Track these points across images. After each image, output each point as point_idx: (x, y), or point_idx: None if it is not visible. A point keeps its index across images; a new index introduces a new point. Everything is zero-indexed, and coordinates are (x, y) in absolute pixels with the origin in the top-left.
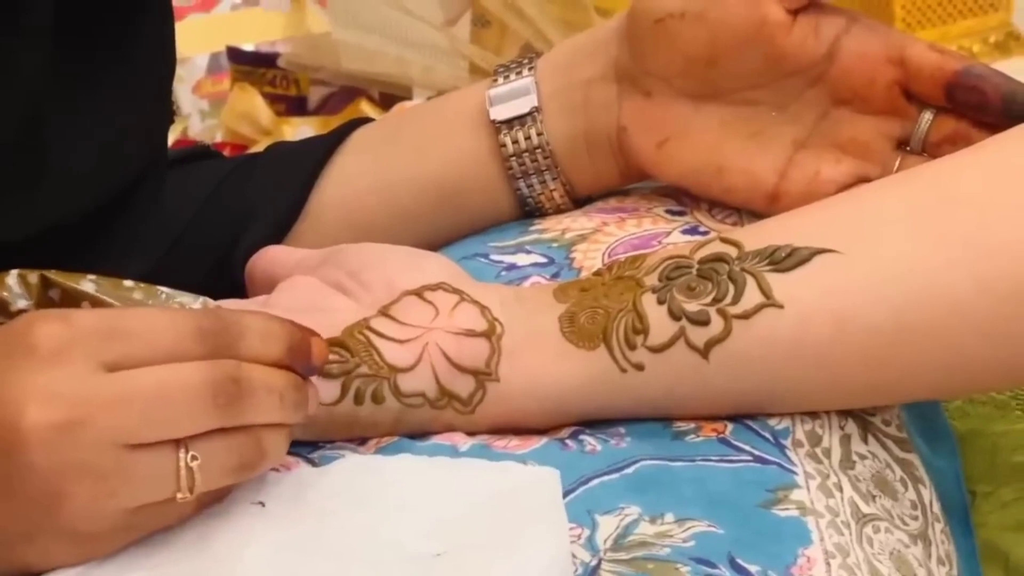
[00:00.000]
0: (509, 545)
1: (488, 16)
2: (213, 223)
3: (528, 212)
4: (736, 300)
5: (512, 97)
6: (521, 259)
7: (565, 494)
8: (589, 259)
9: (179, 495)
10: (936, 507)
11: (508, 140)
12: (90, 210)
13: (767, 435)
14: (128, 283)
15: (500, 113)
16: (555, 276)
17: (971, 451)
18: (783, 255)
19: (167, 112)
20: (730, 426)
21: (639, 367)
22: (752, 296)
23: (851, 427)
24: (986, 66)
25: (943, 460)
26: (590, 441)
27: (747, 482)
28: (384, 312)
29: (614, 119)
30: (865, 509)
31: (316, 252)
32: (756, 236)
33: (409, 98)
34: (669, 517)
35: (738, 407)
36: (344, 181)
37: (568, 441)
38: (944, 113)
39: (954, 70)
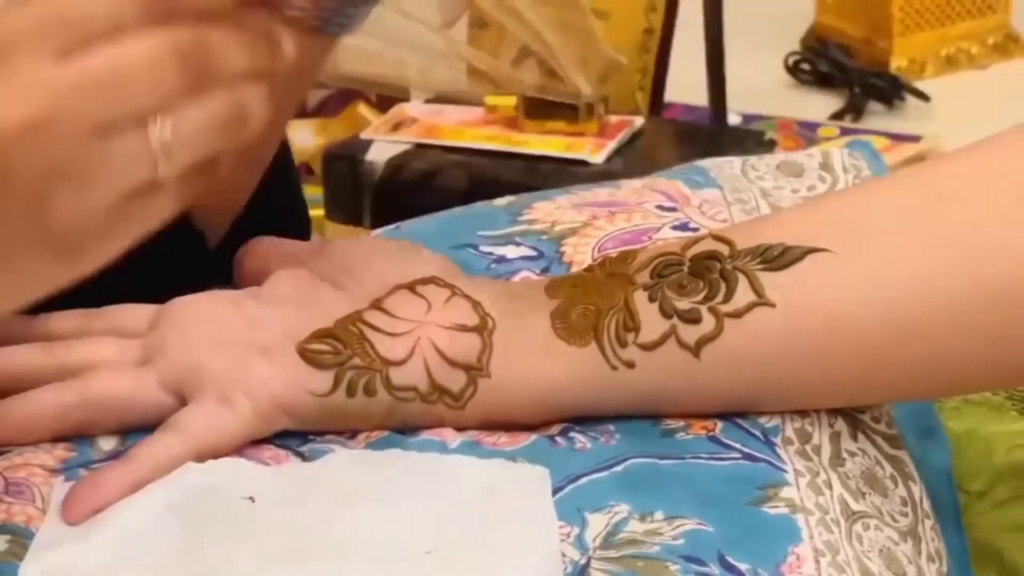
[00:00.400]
0: (499, 544)
1: (486, 18)
2: None
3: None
4: (728, 298)
5: None
6: (511, 251)
7: (554, 492)
8: (579, 253)
9: (160, 169)
10: (926, 504)
11: None
12: None
13: (757, 433)
14: None
15: None
16: (545, 270)
17: (966, 451)
18: (775, 254)
19: None
20: (720, 424)
21: (630, 365)
22: (744, 295)
23: (840, 424)
24: None
25: (935, 458)
26: (580, 439)
27: (737, 480)
28: (376, 305)
29: None
30: (855, 506)
31: (307, 244)
32: (748, 234)
33: (407, 100)
34: (659, 515)
35: (729, 405)
36: None
37: (558, 438)
38: None
39: None
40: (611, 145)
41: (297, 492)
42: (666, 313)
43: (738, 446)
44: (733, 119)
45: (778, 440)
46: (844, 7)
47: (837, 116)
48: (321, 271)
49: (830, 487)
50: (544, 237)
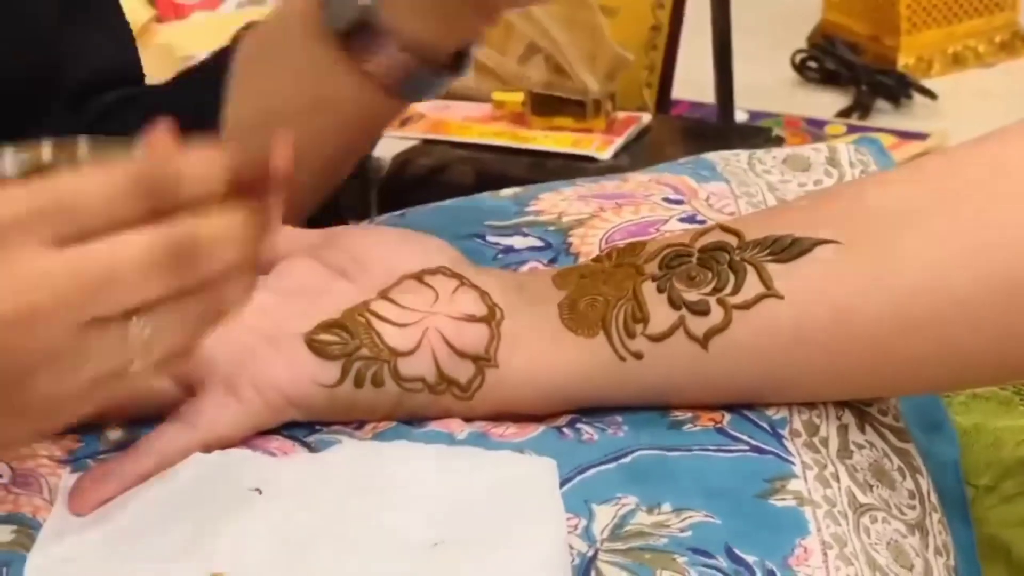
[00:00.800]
0: (506, 536)
1: None
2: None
3: (396, 93)
4: (736, 290)
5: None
6: (518, 242)
7: (562, 484)
8: (587, 244)
9: (135, 365)
10: (933, 497)
11: (352, 42)
12: None
13: (764, 425)
14: (46, 152)
15: (335, 20)
16: (552, 261)
17: (974, 445)
18: (784, 245)
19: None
20: (727, 416)
21: (638, 356)
22: (752, 286)
23: (848, 417)
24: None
25: (943, 452)
26: (587, 430)
27: (744, 472)
28: (384, 295)
29: None
30: (862, 499)
31: (315, 233)
32: (756, 225)
33: None
34: (666, 507)
35: (736, 397)
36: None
37: (565, 429)
38: None
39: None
40: (618, 141)
41: (304, 483)
42: (675, 304)
43: (745, 438)
44: (740, 116)
45: (786, 432)
46: (851, 5)
47: (844, 114)
48: (329, 260)
49: (837, 479)
50: (551, 228)
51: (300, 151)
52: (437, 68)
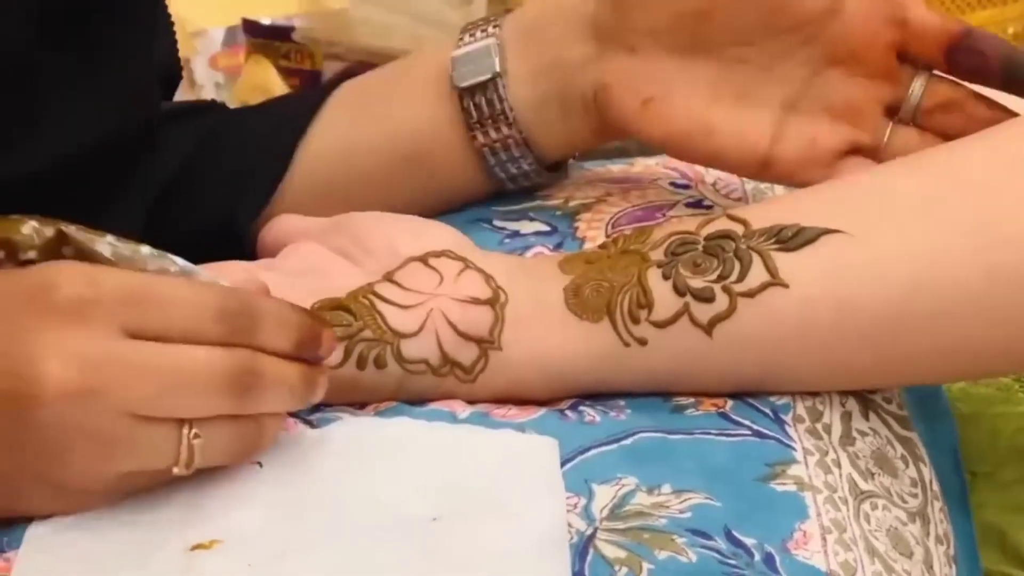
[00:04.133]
0: (505, 512)
1: None
2: (201, 178)
3: (501, 184)
4: (741, 278)
5: (474, 61)
6: (525, 226)
7: (562, 463)
8: (593, 229)
9: (176, 469)
10: (935, 486)
11: (471, 106)
12: (81, 152)
13: (767, 411)
14: (145, 250)
15: (462, 78)
16: (558, 246)
17: (972, 433)
18: (790, 234)
19: (166, 59)
20: (730, 402)
21: (642, 342)
22: (758, 274)
23: (852, 404)
24: (987, 31)
25: (942, 440)
26: (589, 412)
27: (745, 456)
28: (388, 278)
29: (591, 78)
30: (863, 486)
31: (324, 220)
32: (763, 214)
33: None
34: (666, 488)
35: (739, 385)
36: (313, 142)
37: (568, 412)
38: (938, 79)
39: (956, 32)
40: None
41: (304, 457)
42: (679, 291)
43: (747, 423)
44: None
45: (789, 418)
46: None
47: None
48: (334, 244)
49: (839, 466)
50: (558, 212)
51: (372, 200)
52: (540, 163)
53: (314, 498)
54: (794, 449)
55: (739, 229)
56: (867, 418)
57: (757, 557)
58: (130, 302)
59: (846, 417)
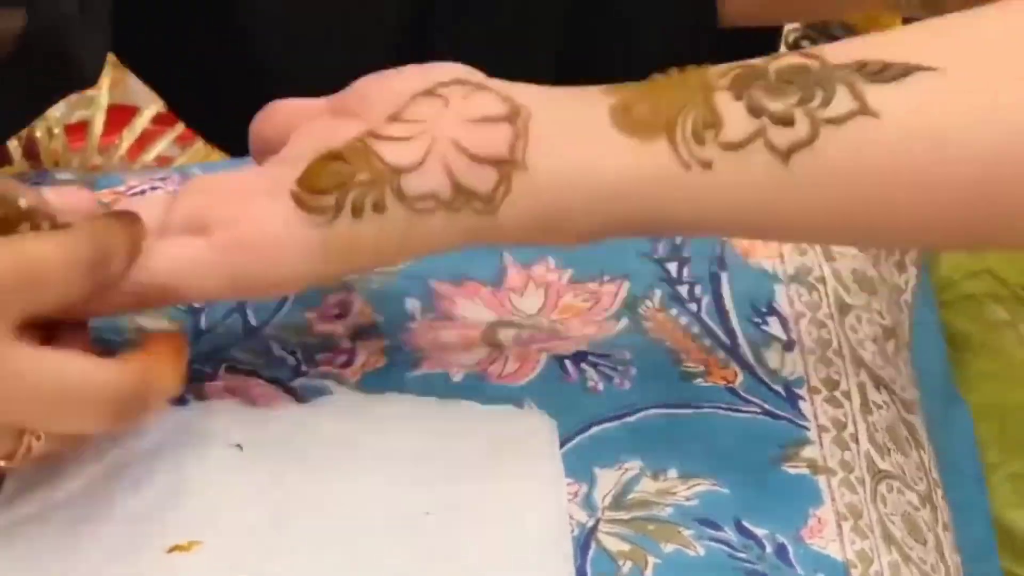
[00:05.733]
0: (502, 505)
1: None
2: None
3: None
4: (825, 104)
5: None
6: None
7: (563, 443)
8: None
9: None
10: (935, 473)
11: None
12: None
13: (779, 388)
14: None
15: None
16: None
17: (981, 422)
18: (876, 68)
19: None
20: (740, 375)
21: (706, 164)
22: (844, 102)
23: (864, 376)
24: None
25: (958, 423)
26: (592, 375)
27: (756, 437)
28: (392, 117)
29: None
30: (881, 464)
31: (323, 98)
32: (839, 51)
33: None
34: (672, 473)
35: (807, 229)
36: None
37: (569, 365)
38: None
39: None
40: None
41: (290, 442)
42: (754, 112)
43: (758, 401)
44: None
45: (803, 391)
46: None
47: None
48: (341, 109)
49: (856, 441)
50: None
51: None
52: None
53: (299, 493)
54: (807, 428)
55: (814, 63)
56: (879, 391)
57: (769, 549)
58: None
59: (861, 387)
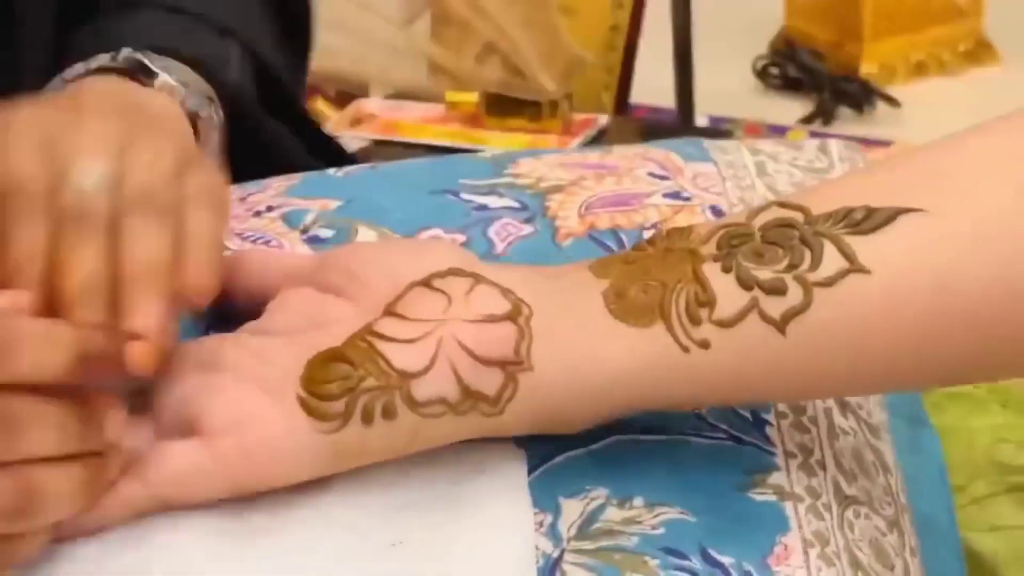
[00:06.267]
0: (468, 535)
1: (450, 14)
2: None
3: None
4: (815, 266)
5: None
6: (493, 201)
7: (530, 471)
8: (565, 209)
9: None
10: (903, 497)
11: None
12: None
13: (746, 413)
14: None
15: None
16: (529, 221)
17: (947, 445)
18: (859, 217)
19: None
20: None
21: (704, 345)
22: (833, 261)
23: (831, 401)
24: None
25: (926, 448)
26: None
27: (722, 464)
28: (390, 311)
29: None
30: (847, 490)
31: (306, 257)
32: (821, 198)
33: (366, 96)
34: (638, 501)
35: (811, 389)
36: None
37: None
38: None
39: None
40: (575, 143)
41: None
42: (745, 284)
43: (724, 427)
44: (701, 121)
45: (770, 417)
46: (814, 11)
47: (807, 120)
48: (327, 283)
49: (824, 467)
50: (528, 192)
51: None
52: None
53: (263, 520)
54: (774, 455)
55: (798, 216)
56: (845, 416)
57: None
58: None
59: (828, 413)
